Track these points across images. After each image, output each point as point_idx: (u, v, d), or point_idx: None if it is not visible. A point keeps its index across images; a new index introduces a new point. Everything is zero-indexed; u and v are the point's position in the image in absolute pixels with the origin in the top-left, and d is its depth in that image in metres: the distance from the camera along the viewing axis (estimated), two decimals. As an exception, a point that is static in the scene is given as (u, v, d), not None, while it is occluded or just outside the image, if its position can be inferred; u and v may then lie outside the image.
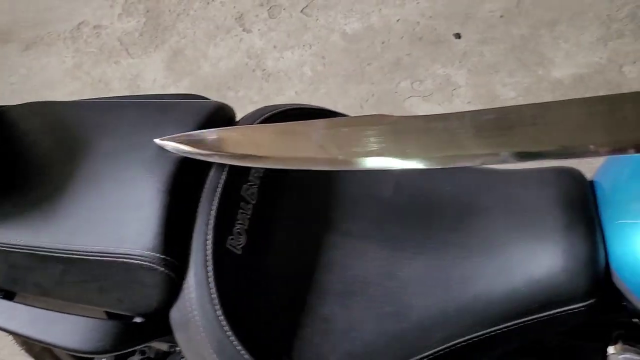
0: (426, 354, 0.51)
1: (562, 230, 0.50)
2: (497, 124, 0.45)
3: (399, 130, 0.48)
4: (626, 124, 0.40)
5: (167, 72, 1.86)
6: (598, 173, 0.56)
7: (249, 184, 0.58)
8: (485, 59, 1.69)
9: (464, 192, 0.58)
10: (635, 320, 0.54)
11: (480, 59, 1.69)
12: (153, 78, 1.86)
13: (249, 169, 0.59)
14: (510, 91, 1.62)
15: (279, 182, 0.61)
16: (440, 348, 0.51)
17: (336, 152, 0.50)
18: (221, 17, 1.94)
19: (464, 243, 0.54)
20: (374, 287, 0.54)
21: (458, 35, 1.75)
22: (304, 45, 1.82)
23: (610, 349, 0.56)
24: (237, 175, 0.57)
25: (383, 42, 1.77)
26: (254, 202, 0.58)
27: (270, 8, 1.93)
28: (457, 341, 0.51)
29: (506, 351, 0.54)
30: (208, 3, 1.99)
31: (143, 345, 0.70)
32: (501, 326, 0.51)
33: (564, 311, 0.49)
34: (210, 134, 0.57)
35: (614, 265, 0.49)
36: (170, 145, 0.58)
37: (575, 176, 0.55)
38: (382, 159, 0.48)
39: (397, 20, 1.81)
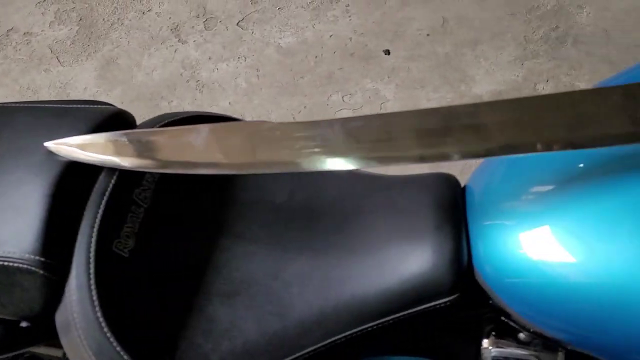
0: (306, 351, 0.54)
1: (431, 231, 0.54)
2: (372, 133, 0.48)
3: (275, 136, 0.51)
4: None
5: (98, 81, 1.84)
6: (471, 178, 0.61)
7: (142, 188, 0.59)
8: (412, 74, 1.77)
9: (349, 196, 0.62)
10: (503, 317, 0.59)
11: (408, 75, 1.77)
12: (84, 86, 1.84)
13: (143, 173, 0.60)
14: (434, 105, 1.70)
15: (175, 186, 0.62)
16: (319, 345, 0.54)
17: (219, 157, 0.52)
18: (156, 28, 1.94)
19: (344, 244, 0.58)
20: (258, 287, 0.56)
21: (387, 52, 1.82)
22: (239, 58, 1.84)
23: (484, 343, 0.60)
24: (129, 179, 0.58)
25: (316, 57, 1.82)
26: (146, 205, 0.59)
27: (207, 20, 1.95)
28: (335, 338, 0.54)
29: (384, 346, 0.58)
30: (143, 13, 1.99)
31: (30, 351, 0.69)
32: (376, 322, 0.54)
33: (431, 306, 0.53)
34: (101, 138, 0.58)
35: (476, 264, 0.54)
36: (62, 149, 0.58)
37: (449, 181, 0.59)
38: (261, 163, 0.51)
39: (330, 36, 1.86)
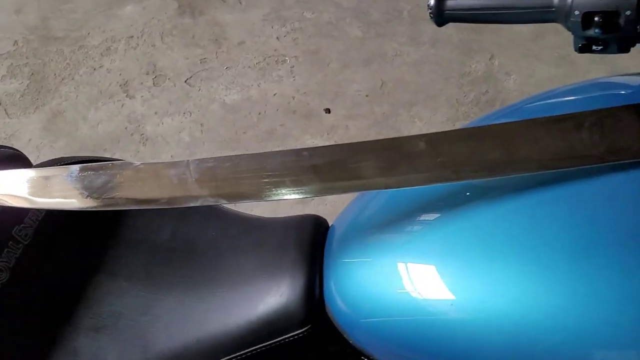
0: None
1: (288, 268, 0.58)
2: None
3: (140, 176, 0.55)
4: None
5: (43, 133, 1.87)
6: (337, 218, 0.65)
7: (22, 225, 0.62)
8: (350, 132, 1.85)
9: (226, 236, 0.65)
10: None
11: (346, 132, 1.84)
12: (29, 138, 1.86)
13: (27, 210, 0.62)
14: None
15: (60, 224, 0.65)
16: None
17: (85, 194, 0.55)
18: (106, 83, 2.00)
19: (214, 281, 0.60)
20: (126, 321, 0.58)
21: (328, 111, 1.90)
22: (184, 113, 1.90)
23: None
24: (9, 216, 0.61)
25: (259, 113, 1.89)
26: (26, 242, 0.61)
27: (156, 77, 2.02)
28: None
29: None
30: (95, 69, 2.05)
31: None
32: (236, 354, 0.56)
33: (287, 338, 0.55)
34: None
35: (327, 299, 0.57)
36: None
37: (314, 222, 0.63)
38: (123, 199, 0.54)
39: (274, 95, 1.94)
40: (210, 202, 0.52)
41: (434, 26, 0.59)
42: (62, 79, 2.03)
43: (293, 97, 1.93)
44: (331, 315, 0.56)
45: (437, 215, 0.53)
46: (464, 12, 0.59)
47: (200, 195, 0.51)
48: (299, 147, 1.93)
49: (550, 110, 0.59)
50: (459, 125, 1.84)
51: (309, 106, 1.91)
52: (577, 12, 0.51)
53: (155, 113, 1.90)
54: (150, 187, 0.53)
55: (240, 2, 2.26)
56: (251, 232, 0.64)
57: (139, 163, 0.55)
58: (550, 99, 0.62)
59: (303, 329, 0.55)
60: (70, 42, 2.17)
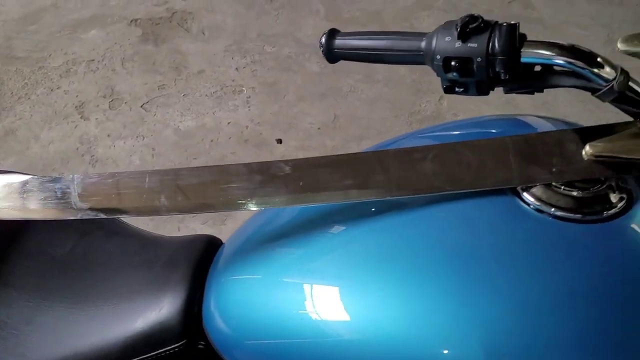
0: None
1: (173, 284, 0.60)
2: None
3: (26, 189, 0.57)
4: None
5: (-7, 150, 1.87)
6: (229, 237, 0.67)
7: None
8: (301, 163, 1.89)
9: (121, 253, 0.67)
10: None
11: (296, 163, 1.88)
12: (-23, 154, 1.86)
13: None
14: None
15: None
16: None
17: None
18: (62, 104, 2.02)
19: (100, 295, 0.62)
20: (10, 330, 0.59)
21: (280, 141, 1.95)
22: (137, 136, 1.92)
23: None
24: None
25: (212, 141, 1.93)
26: None
27: (113, 100, 2.05)
28: None
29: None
30: (52, 90, 2.07)
31: None
32: None
33: (163, 352, 0.57)
34: None
35: (205, 315, 0.59)
36: None
37: (205, 241, 0.66)
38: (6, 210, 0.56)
39: (228, 123, 1.99)
40: (90, 215, 0.54)
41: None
42: (19, 98, 2.04)
43: (246, 127, 1.98)
44: (207, 331, 0.58)
45: (326, 235, 0.56)
46: (350, 51, 0.64)
47: (79, 209, 0.54)
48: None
49: (427, 140, 0.64)
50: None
51: (261, 136, 1.95)
52: (438, 57, 0.56)
53: (108, 135, 1.92)
54: (35, 200, 0.55)
55: (204, 33, 2.33)
56: (147, 250, 0.66)
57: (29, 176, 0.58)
58: (435, 131, 0.67)
59: (179, 343, 0.57)
60: (31, 62, 2.19)
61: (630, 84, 0.52)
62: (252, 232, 0.63)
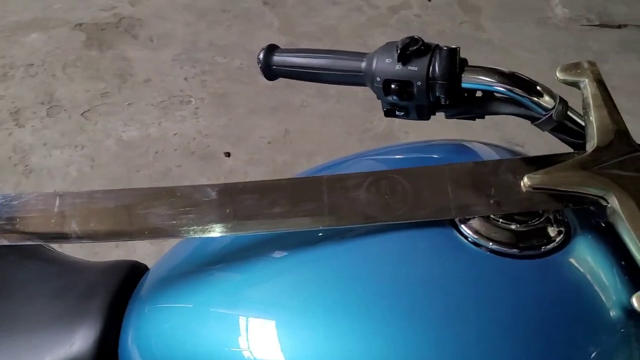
0: None
1: (88, 315, 0.55)
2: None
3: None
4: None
5: None
6: (154, 264, 0.63)
7: None
8: (249, 177, 1.84)
9: (37, 279, 0.61)
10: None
11: (244, 177, 1.83)
12: None
13: None
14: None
15: None
16: None
17: None
18: (-5, 110, 1.90)
19: (6, 326, 0.56)
20: None
21: (228, 154, 1.89)
22: (75, 146, 1.82)
23: None
24: None
25: (156, 152, 1.85)
26: None
27: (51, 107, 1.94)
28: None
29: None
30: (-15, 94, 1.95)
31: None
32: None
33: None
34: None
35: (121, 349, 0.54)
36: None
37: (132, 267, 0.61)
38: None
39: (175, 134, 1.92)
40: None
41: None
42: (-53, 102, 1.91)
43: (194, 138, 1.91)
44: None
45: (258, 264, 0.53)
46: (289, 69, 0.61)
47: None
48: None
49: (369, 164, 0.61)
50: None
51: (209, 148, 1.90)
52: (378, 79, 0.54)
53: (44, 144, 1.82)
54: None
55: (152, 41, 2.25)
56: (64, 276, 0.61)
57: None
58: (378, 155, 0.65)
59: None
60: (-37, 63, 2.06)
61: (569, 113, 0.51)
62: (180, 258, 0.59)
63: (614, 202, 0.41)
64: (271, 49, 0.61)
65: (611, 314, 0.41)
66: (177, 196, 0.48)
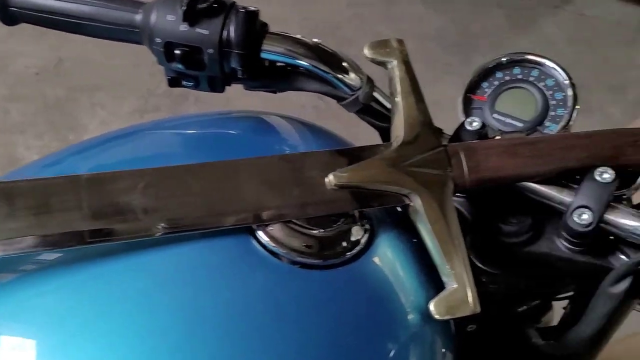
0: None
1: None
2: None
3: None
4: None
5: None
6: None
7: None
8: (12, 117, 1.52)
9: None
10: None
11: (5, 117, 1.51)
12: None
13: None
14: (34, 154, 1.48)
15: None
16: None
17: None
18: None
19: None
20: None
21: (-20, 87, 1.53)
22: None
23: None
24: None
25: None
26: None
27: None
28: None
29: None
30: None
31: None
32: None
33: None
34: None
35: None
36: None
37: None
38: None
39: None
40: None
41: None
42: None
43: None
44: None
45: (28, 281, 0.39)
46: (37, 13, 0.45)
47: None
48: None
49: (145, 144, 0.50)
50: (147, 117, 1.70)
51: (-48, 79, 1.51)
52: (158, 40, 0.43)
53: None
54: None
55: None
56: None
57: None
58: (157, 128, 0.53)
59: None
60: None
61: (378, 96, 0.47)
62: None
63: (416, 202, 0.39)
64: (8, -21, 0.44)
65: (413, 321, 0.40)
66: None
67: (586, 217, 0.40)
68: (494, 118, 0.51)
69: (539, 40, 2.00)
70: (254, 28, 0.42)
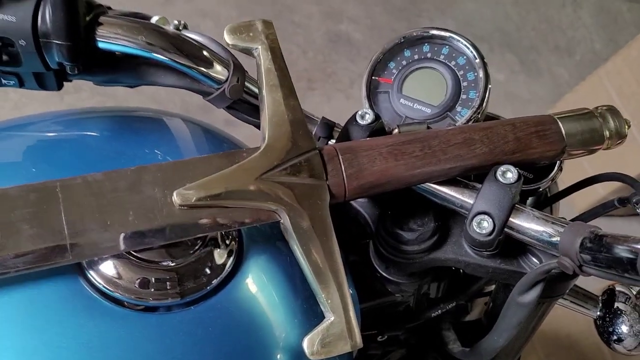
0: None
1: None
2: None
3: None
4: None
5: None
6: None
7: None
8: None
9: None
10: None
11: None
12: None
13: None
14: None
15: None
16: None
17: None
18: None
19: None
20: None
21: None
22: None
23: None
24: None
25: None
26: None
27: None
28: None
29: None
30: None
31: None
32: None
33: None
34: None
35: None
36: None
37: None
38: None
39: None
40: None
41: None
42: None
43: None
44: None
45: None
46: None
47: None
48: None
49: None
50: (67, 100, 1.58)
51: None
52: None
53: None
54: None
55: None
56: None
57: None
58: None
59: None
60: None
61: (250, 85, 0.40)
62: None
63: (285, 218, 0.32)
64: None
65: (287, 356, 0.34)
66: None
67: (486, 225, 0.34)
68: (400, 104, 0.44)
69: (486, 2, 1.94)
70: (77, 13, 0.34)
